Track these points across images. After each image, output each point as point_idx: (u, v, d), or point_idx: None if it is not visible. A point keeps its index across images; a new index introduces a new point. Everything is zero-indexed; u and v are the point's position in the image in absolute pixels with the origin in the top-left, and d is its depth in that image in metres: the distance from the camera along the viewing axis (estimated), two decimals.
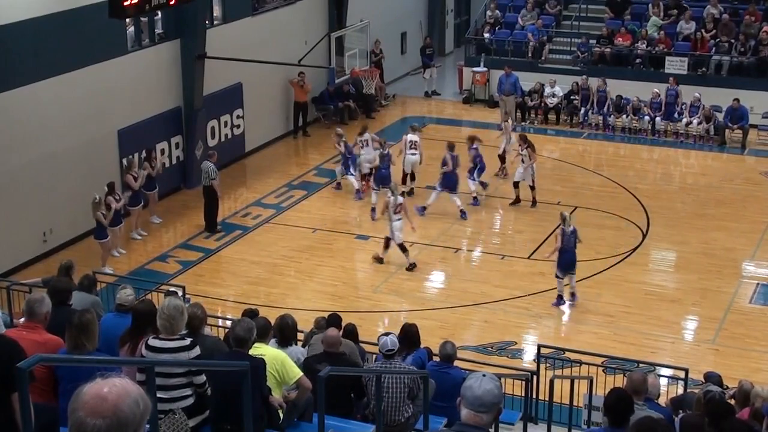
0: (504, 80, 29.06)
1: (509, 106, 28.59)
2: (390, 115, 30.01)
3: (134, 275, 19.06)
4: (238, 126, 25.92)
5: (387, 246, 19.75)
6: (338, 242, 21.13)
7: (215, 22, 24.72)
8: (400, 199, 19.72)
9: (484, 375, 4.97)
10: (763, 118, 27.85)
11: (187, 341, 7.96)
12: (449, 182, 22.01)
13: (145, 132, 22.42)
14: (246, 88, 25.80)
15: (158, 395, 7.30)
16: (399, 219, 19.42)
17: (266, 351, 9.02)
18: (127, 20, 21.31)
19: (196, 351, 7.92)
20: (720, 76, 29.16)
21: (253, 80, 25.82)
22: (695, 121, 27.53)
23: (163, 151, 23.12)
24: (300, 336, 12.30)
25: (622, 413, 8.11)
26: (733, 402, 10.73)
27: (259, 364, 8.39)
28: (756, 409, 10.22)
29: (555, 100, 29.45)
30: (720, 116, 27.64)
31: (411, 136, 23.30)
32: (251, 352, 8.62)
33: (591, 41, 31.08)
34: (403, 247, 19.53)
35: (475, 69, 31.37)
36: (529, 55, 31.15)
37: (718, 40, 29.84)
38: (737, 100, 26.89)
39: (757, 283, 19.02)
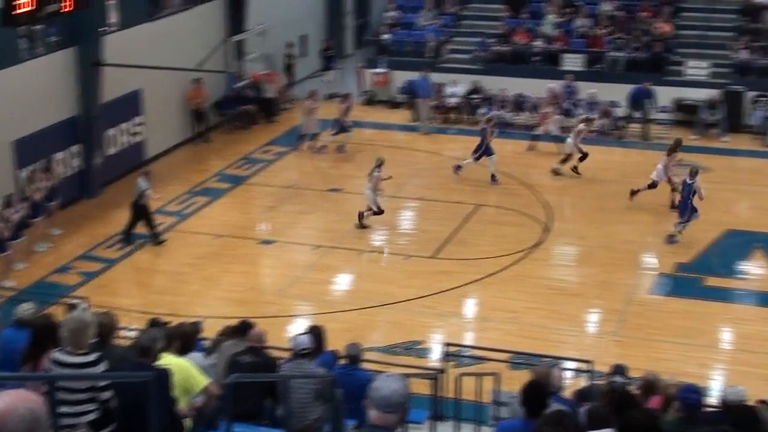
0: (421, 83, 29.15)
1: (425, 109, 28.83)
2: (292, 118, 29.94)
3: (35, 288, 18.70)
4: (138, 133, 25.61)
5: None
6: (242, 248, 21.02)
7: (112, 29, 24.35)
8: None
9: (390, 375, 5.01)
10: (659, 112, 28.50)
11: (92, 357, 7.77)
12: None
13: (41, 142, 21.99)
14: (146, 95, 25.50)
15: (62, 410, 7.18)
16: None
17: (171, 360, 8.93)
18: (20, 28, 20.88)
19: (102, 367, 7.77)
20: (616, 72, 29.73)
21: (153, 87, 25.53)
22: (593, 117, 28.00)
23: (60, 162, 22.72)
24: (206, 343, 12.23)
25: (539, 404, 8.24)
26: (638, 392, 10.97)
27: (165, 374, 8.31)
28: (668, 396, 10.50)
29: (455, 100, 29.73)
30: (618, 111, 28.23)
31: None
32: (157, 362, 8.53)
33: (489, 40, 31.42)
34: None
35: (376, 70, 31.50)
36: (429, 55, 31.36)
37: (613, 36, 30.42)
38: (648, 82, 27.62)
39: (656, 274, 19.46)
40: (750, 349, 16.56)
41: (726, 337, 17.43)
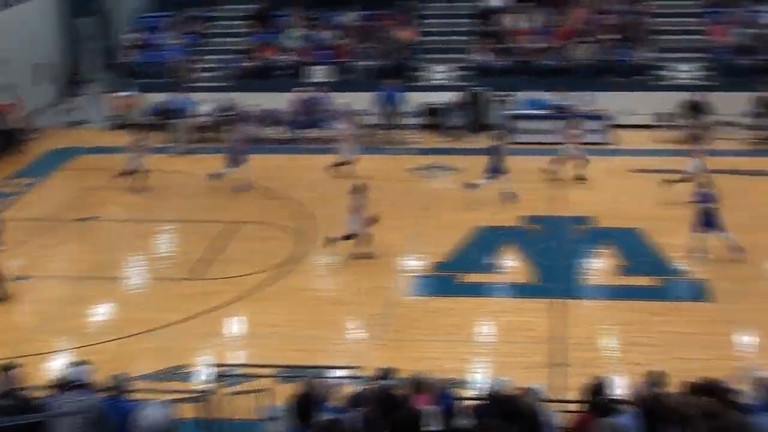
0: (174, 103, 28.74)
1: (180, 129, 28.53)
2: (38, 147, 28.88)
3: None
4: None
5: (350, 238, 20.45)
6: None
7: None
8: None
9: (154, 404, 4.90)
10: (407, 117, 29.20)
11: None
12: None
13: None
14: None
15: None
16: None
17: None
18: None
19: None
20: (363, 80, 30.25)
21: None
22: (344, 126, 28.40)
23: None
24: None
25: (307, 414, 8.27)
26: (406, 393, 11.15)
27: None
28: (436, 393, 10.76)
29: (207, 118, 29.48)
30: (368, 119, 28.73)
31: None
32: None
33: (237, 56, 31.35)
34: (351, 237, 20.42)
35: (122, 93, 30.83)
36: (177, 75, 30.96)
37: (358, 46, 30.94)
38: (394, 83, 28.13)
39: (414, 275, 19.87)
40: (510, 340, 17.13)
41: (486, 330, 17.97)
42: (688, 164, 23.08)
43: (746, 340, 17.11)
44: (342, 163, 25.28)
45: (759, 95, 27.67)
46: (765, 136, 27.42)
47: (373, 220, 20.68)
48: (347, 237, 20.56)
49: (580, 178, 24.80)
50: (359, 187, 20.79)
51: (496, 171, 23.57)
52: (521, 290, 19.21)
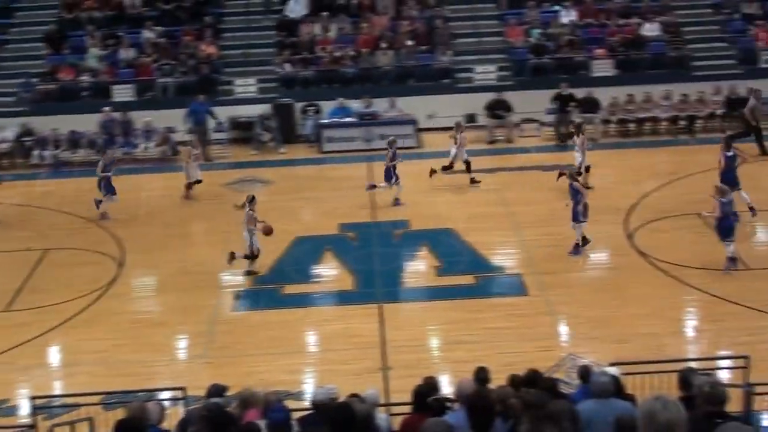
0: None
1: None
2: None
3: None
4: None
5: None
6: None
7: None
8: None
9: None
10: (216, 132, 28.97)
11: None
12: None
13: None
14: None
15: None
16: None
17: None
18: None
19: None
20: (167, 98, 29.84)
21: None
22: (152, 145, 28.01)
23: None
24: None
25: None
26: (236, 409, 11.05)
27: None
28: (265, 407, 10.68)
29: (6, 145, 28.46)
30: (175, 137, 28.36)
31: None
32: None
33: (33, 80, 30.41)
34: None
35: None
36: None
37: (160, 63, 30.50)
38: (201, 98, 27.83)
39: (235, 291, 19.72)
40: (335, 347, 17.21)
41: (311, 340, 18.02)
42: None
43: (563, 329, 17.70)
44: (193, 183, 24.76)
45: (557, 92, 28.67)
46: (564, 131, 28.43)
47: (267, 232, 20.47)
48: (252, 256, 20.27)
49: (474, 181, 25.06)
50: (250, 198, 20.46)
51: (393, 177, 23.85)
52: (343, 297, 19.33)
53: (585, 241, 20.48)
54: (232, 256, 20.21)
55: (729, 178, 21.47)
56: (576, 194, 20.28)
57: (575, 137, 24.55)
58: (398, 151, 24.28)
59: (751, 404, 12.22)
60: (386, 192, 24.30)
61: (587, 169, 24.04)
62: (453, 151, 24.79)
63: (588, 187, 22.29)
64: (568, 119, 28.34)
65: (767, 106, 27.98)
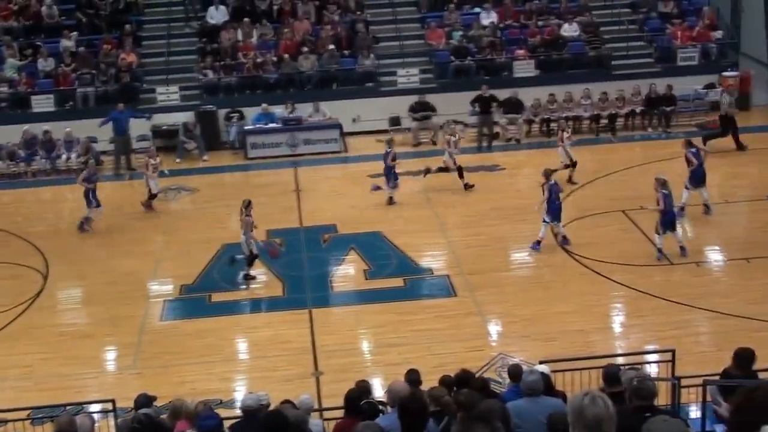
0: None
1: None
2: None
3: None
4: None
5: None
6: None
7: None
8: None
9: None
10: (138, 141, 28.70)
11: None
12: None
13: None
14: None
15: None
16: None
17: None
18: None
19: None
20: (87, 108, 29.49)
21: None
22: (73, 156, 27.65)
23: None
24: None
25: None
26: (167, 419, 10.99)
27: None
28: (196, 417, 10.64)
29: None
30: (96, 147, 28.04)
31: None
32: None
33: None
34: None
35: None
36: None
37: (80, 72, 30.12)
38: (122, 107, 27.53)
39: (164, 300, 19.56)
40: (266, 354, 17.17)
41: (242, 347, 17.95)
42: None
43: (493, 329, 17.86)
44: (154, 196, 24.46)
45: (477, 95, 28.83)
46: (485, 132, 28.67)
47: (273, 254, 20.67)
48: (252, 258, 20.18)
49: (469, 186, 24.86)
50: (246, 203, 20.37)
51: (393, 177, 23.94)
52: (273, 304, 19.29)
53: (565, 239, 20.95)
54: (233, 260, 20.35)
55: (698, 174, 22.04)
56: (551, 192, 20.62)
57: (562, 132, 24.94)
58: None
59: (679, 397, 12.45)
60: (313, 196, 24.32)
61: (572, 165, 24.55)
62: (446, 153, 24.72)
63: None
64: (490, 121, 28.61)
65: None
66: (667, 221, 19.82)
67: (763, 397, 4.72)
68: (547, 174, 20.84)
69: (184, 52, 31.63)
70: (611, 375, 10.07)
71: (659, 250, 19.86)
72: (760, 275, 19.22)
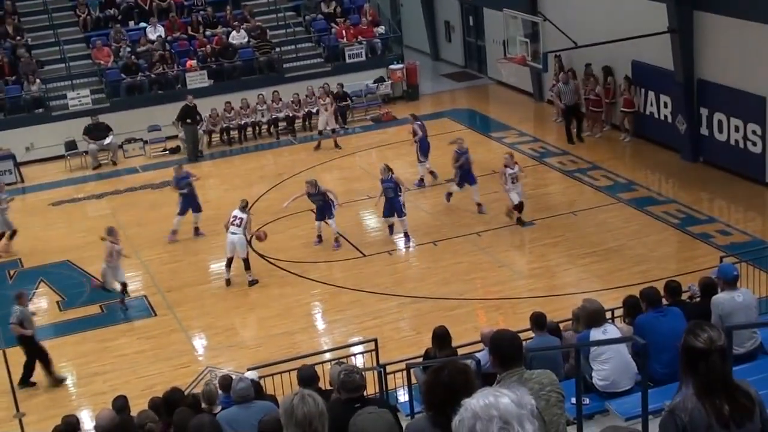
0: None
1: None
2: None
3: None
4: None
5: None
6: None
7: None
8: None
9: None
10: None
11: None
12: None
13: None
14: None
15: None
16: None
17: None
18: None
19: None
20: None
21: None
22: None
23: None
24: None
25: None
26: None
27: None
28: None
29: None
30: None
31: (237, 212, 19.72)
32: None
33: None
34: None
35: None
36: None
37: None
38: None
39: None
40: None
41: None
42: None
43: (198, 343, 17.77)
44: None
45: (185, 105, 27.94)
46: (164, 147, 28.38)
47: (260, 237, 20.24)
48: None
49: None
50: (245, 204, 19.83)
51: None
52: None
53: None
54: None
55: (424, 146, 23.81)
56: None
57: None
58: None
59: (386, 383, 12.87)
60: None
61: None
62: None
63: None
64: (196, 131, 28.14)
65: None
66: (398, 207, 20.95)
67: (449, 375, 4.99)
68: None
69: None
70: (307, 377, 9.93)
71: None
72: (447, 257, 20.18)
